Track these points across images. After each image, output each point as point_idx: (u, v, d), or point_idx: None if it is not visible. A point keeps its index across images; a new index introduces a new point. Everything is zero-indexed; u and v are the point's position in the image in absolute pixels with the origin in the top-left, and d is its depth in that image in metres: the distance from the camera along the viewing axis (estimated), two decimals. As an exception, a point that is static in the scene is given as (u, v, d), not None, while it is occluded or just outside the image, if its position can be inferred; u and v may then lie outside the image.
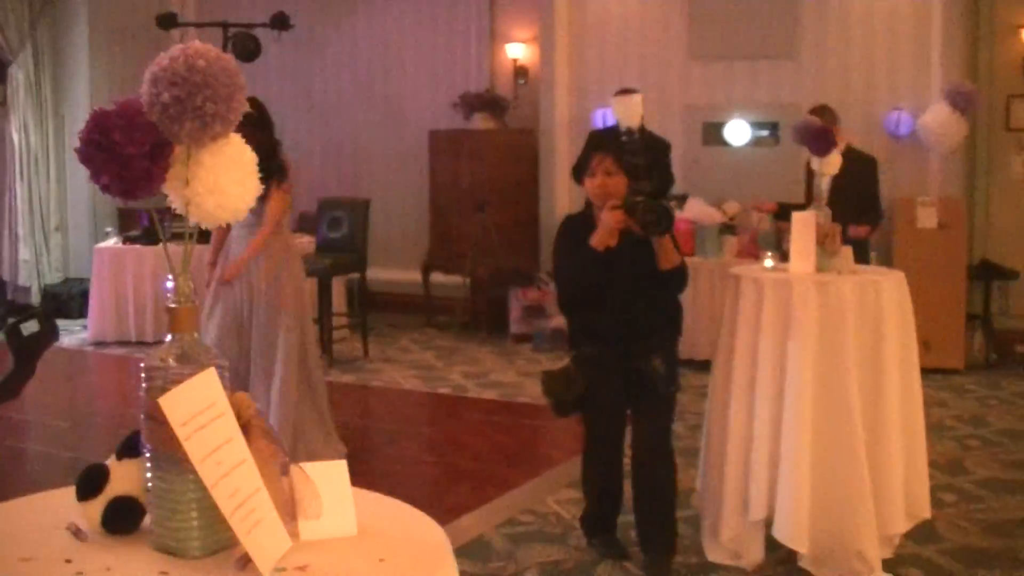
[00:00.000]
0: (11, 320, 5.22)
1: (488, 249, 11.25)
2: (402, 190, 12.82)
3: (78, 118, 13.43)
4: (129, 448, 2.18)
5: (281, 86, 13.37)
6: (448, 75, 12.72)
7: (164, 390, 1.97)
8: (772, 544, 5.32)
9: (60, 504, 2.26)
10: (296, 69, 13.43)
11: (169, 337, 2.15)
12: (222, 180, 2.04)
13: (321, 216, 10.84)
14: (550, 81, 11.82)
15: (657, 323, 5.38)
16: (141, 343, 11.17)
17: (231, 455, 1.97)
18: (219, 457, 1.95)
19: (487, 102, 11.97)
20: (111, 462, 2.20)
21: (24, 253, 13.05)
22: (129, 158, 1.98)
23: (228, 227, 6.66)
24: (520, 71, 12.35)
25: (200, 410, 1.95)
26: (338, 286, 11.07)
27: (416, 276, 12.11)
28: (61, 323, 12.09)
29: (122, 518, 2.14)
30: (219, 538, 2.05)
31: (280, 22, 12.67)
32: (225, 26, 12.76)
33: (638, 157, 8.52)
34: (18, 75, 13.00)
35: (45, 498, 2.36)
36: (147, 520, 2.14)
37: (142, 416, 2.05)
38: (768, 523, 5.26)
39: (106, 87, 13.60)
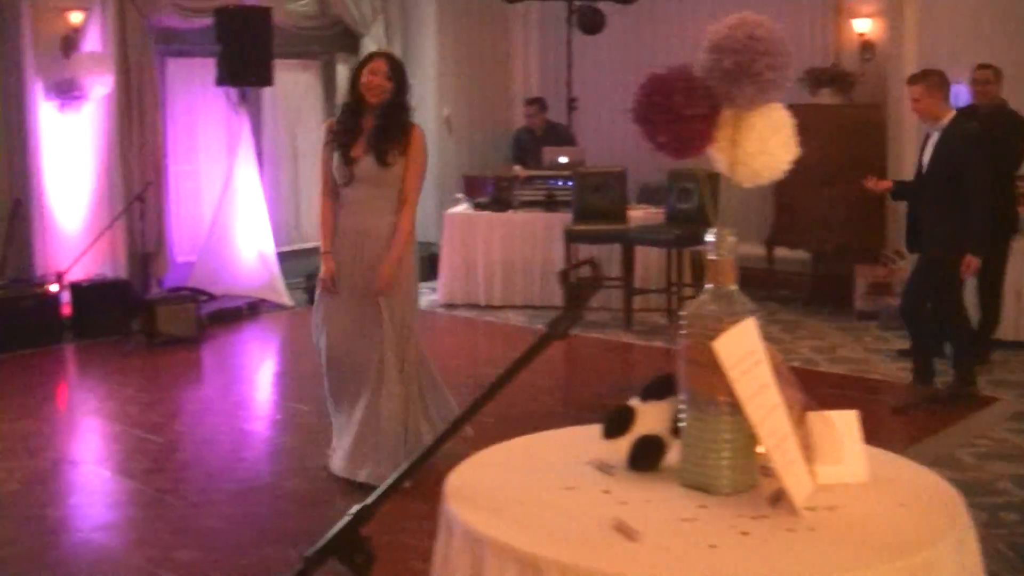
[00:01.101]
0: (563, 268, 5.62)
1: (833, 224, 11.18)
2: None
3: (426, 87, 13.92)
4: (654, 391, 2.34)
5: (623, 59, 13.53)
6: (793, 50, 12.59)
7: (705, 336, 2.12)
8: None
9: (578, 440, 2.45)
10: (638, 42, 13.54)
11: (709, 286, 2.28)
12: (770, 143, 2.18)
13: (670, 187, 10.94)
14: (898, 56, 11.59)
15: None
16: (489, 307, 11.58)
17: (768, 399, 2.11)
18: (760, 400, 2.09)
19: (833, 77, 11.85)
20: (635, 403, 2.37)
21: (373, 217, 13.56)
22: (689, 119, 2.13)
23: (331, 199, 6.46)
24: (866, 46, 12.17)
25: (744, 355, 2.09)
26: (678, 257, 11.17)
27: (758, 249, 12.08)
28: (409, 285, 12.65)
29: (648, 456, 2.31)
30: (745, 477, 2.20)
31: (625, -5, 12.85)
32: (569, 0, 13.03)
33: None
34: (370, 47, 13.52)
35: (564, 434, 2.55)
36: (668, 458, 2.30)
37: (681, 361, 2.21)
38: None
39: (452, 60, 14.03)
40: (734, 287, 2.24)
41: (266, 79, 11.59)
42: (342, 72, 13.77)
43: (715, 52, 2.12)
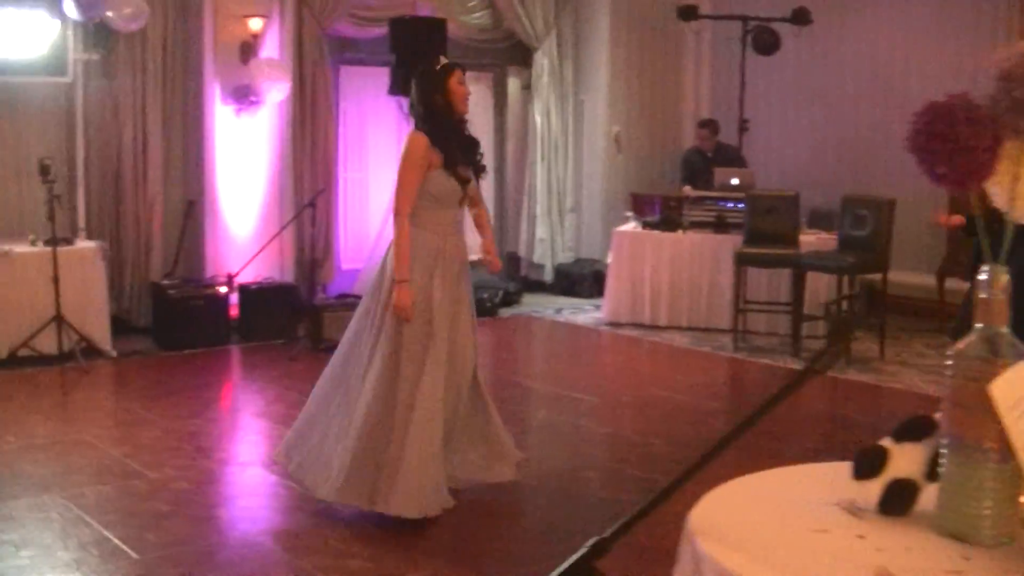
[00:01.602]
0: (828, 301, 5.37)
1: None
2: (915, 190, 12.43)
3: (597, 104, 13.85)
4: (909, 431, 2.20)
5: (796, 80, 13.31)
6: (971, 72, 12.25)
7: (972, 379, 1.97)
8: None
9: (822, 478, 2.31)
10: (812, 63, 13.29)
11: (978, 326, 2.12)
12: (1051, 180, 2.02)
13: (844, 213, 10.68)
14: None
15: None
16: (655, 327, 11.45)
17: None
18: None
19: (1017, 101, 11.47)
20: (888, 443, 2.23)
21: (540, 232, 13.58)
22: (972, 150, 1.99)
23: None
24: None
25: (1020, 399, 1.94)
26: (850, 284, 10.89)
27: (929, 280, 11.75)
28: (572, 301, 12.61)
29: (901, 499, 2.17)
30: (1007, 529, 2.04)
31: (801, 17, 12.61)
32: (744, 19, 12.84)
33: None
34: (542, 61, 13.51)
35: (806, 472, 2.42)
36: (922, 503, 2.16)
37: (946, 403, 2.07)
38: None
39: (624, 75, 13.94)
40: (1004, 329, 2.08)
41: (439, 90, 11.61)
42: (513, 85, 13.79)
43: (1004, 81, 1.96)
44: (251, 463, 7.15)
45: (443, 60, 6.16)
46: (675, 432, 7.92)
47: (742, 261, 10.64)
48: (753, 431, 6.74)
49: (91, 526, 5.87)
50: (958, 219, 7.91)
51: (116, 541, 5.68)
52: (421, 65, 6.19)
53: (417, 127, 6.05)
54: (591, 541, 2.07)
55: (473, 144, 6.21)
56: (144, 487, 6.52)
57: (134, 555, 5.52)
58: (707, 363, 10.25)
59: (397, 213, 5.92)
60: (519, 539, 5.89)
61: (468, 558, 5.58)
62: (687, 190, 11.90)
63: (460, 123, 6.13)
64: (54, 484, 6.56)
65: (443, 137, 5.99)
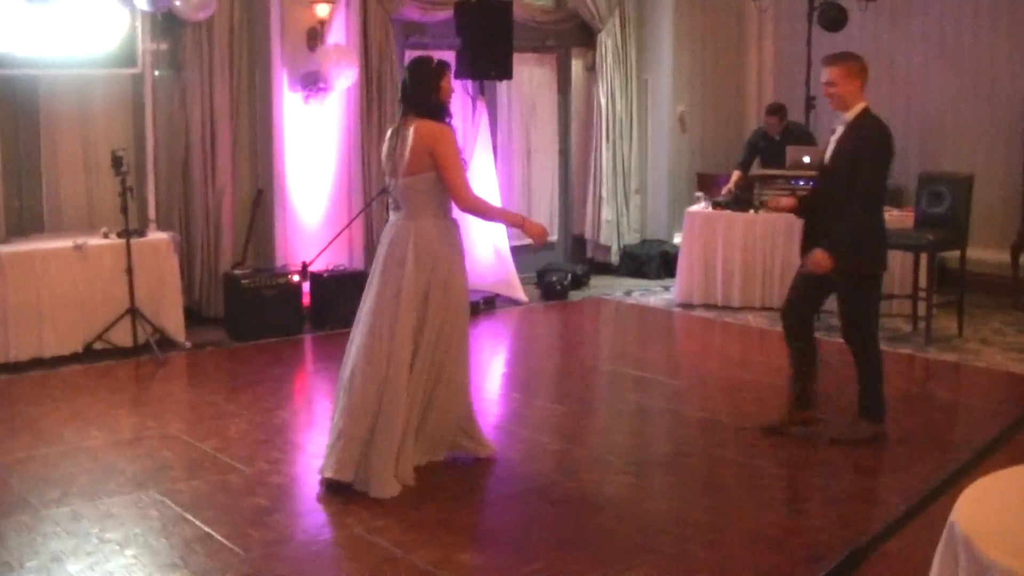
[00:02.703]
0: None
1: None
2: (988, 165, 12.24)
3: (661, 84, 13.69)
4: None
5: (864, 55, 12.99)
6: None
7: None
8: None
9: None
10: (879, 38, 13.06)
11: None
12: None
13: (920, 190, 10.49)
14: None
15: None
16: (727, 307, 11.30)
17: None
18: None
19: None
20: None
21: (606, 213, 13.44)
22: None
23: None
24: None
25: None
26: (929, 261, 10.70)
27: (1003, 256, 11.55)
28: (640, 283, 12.47)
29: None
30: None
31: (870, -8, 12.42)
32: (812, -6, 12.65)
33: None
34: (606, 42, 13.35)
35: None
36: None
37: None
38: None
39: (687, 54, 13.78)
40: None
41: (506, 72, 11.50)
42: (577, 67, 13.65)
43: None
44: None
45: (436, 60, 6.54)
46: (768, 416, 7.77)
47: (817, 239, 10.44)
48: (840, 414, 6.61)
49: (192, 523, 5.80)
50: (788, 201, 7.52)
51: (220, 538, 5.59)
52: (415, 61, 6.55)
53: (424, 117, 6.31)
54: (847, 550, 1.94)
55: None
56: (240, 482, 6.43)
57: (240, 552, 5.43)
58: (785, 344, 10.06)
59: (468, 195, 6.36)
60: (632, 529, 5.75)
61: (581, 548, 5.46)
62: (735, 175, 11.76)
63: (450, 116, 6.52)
64: (148, 480, 6.49)
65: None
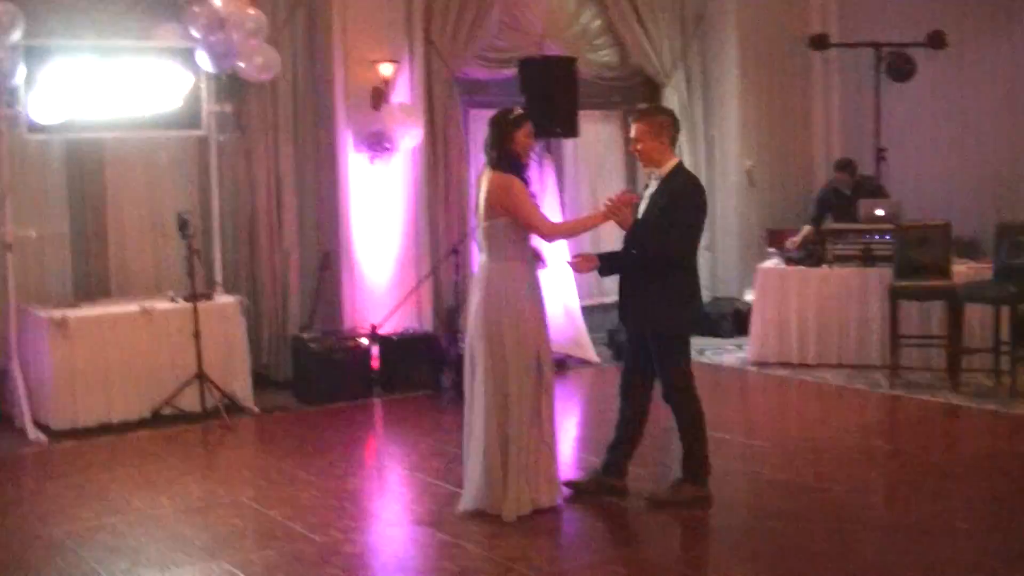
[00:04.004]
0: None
1: None
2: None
3: (728, 138, 13.51)
4: None
5: (934, 105, 12.87)
6: None
7: None
8: None
9: None
10: (949, 87, 12.82)
11: None
12: None
13: (1000, 240, 10.21)
14: None
15: None
16: (803, 365, 11.04)
17: None
18: None
19: None
20: None
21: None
22: None
23: None
24: None
25: None
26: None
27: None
28: (712, 342, 12.24)
29: None
30: None
31: (937, 40, 12.23)
32: (877, 46, 12.47)
33: None
34: (672, 97, 13.19)
35: None
36: None
37: None
38: None
39: (754, 108, 13.59)
40: None
41: (572, 130, 11.34)
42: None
43: None
44: (419, 522, 6.79)
45: (518, 111, 6.81)
46: (854, 477, 7.54)
47: (896, 295, 10.23)
48: (927, 474, 6.29)
49: (266, 595, 5.62)
50: (590, 261, 7.04)
51: (294, 611, 5.42)
52: (497, 112, 6.81)
53: (495, 168, 6.65)
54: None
55: (528, 184, 6.80)
56: (313, 552, 6.24)
57: (316, 627, 5.25)
58: (865, 401, 9.84)
59: (550, 229, 6.91)
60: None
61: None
62: (805, 230, 11.54)
63: (525, 167, 6.78)
64: (218, 550, 6.32)
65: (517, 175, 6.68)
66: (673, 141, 6.87)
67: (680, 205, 6.70)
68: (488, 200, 6.62)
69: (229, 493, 7.43)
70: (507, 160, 6.63)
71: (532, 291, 6.72)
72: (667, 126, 6.83)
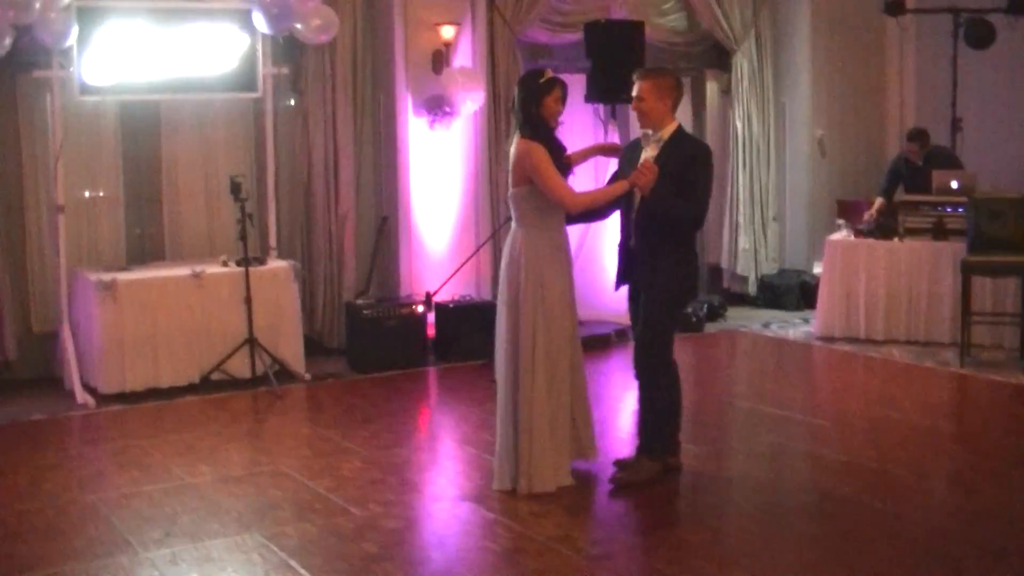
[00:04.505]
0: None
1: None
2: None
3: (798, 107, 13.16)
4: None
5: (1011, 74, 12.44)
6: None
7: None
8: None
9: None
10: (1026, 56, 12.40)
11: None
12: None
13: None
14: None
15: None
16: (870, 340, 10.72)
17: None
18: None
19: None
20: None
21: (743, 242, 12.92)
22: None
23: None
24: None
25: None
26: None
27: None
28: (778, 315, 11.96)
29: None
30: None
31: (1018, 6, 11.82)
32: (955, 12, 12.06)
33: None
34: (741, 64, 12.87)
35: None
36: None
37: None
38: None
39: (825, 76, 13.21)
40: None
41: (638, 95, 11.03)
42: (711, 89, 13.21)
43: None
44: (463, 498, 6.59)
45: (548, 74, 6.50)
46: (916, 459, 7.27)
47: (968, 270, 9.91)
48: (994, 459, 5.98)
49: (296, 571, 5.45)
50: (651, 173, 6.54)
51: (323, 588, 5.25)
52: (526, 73, 6.79)
53: (523, 134, 6.41)
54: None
55: (563, 149, 6.59)
56: (350, 526, 6.07)
57: (344, 605, 5.07)
58: (933, 380, 9.51)
59: (571, 199, 6.46)
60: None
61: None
62: (878, 202, 11.19)
63: (553, 130, 6.52)
64: (253, 521, 6.17)
65: (543, 140, 6.40)
66: (675, 105, 6.64)
67: (699, 171, 6.47)
68: (513, 167, 6.46)
69: (271, 462, 7.29)
70: (533, 124, 6.40)
71: (556, 261, 6.51)
72: (672, 88, 6.60)
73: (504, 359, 6.54)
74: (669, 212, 6.42)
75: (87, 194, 9.78)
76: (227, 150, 10.31)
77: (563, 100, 6.50)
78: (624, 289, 6.84)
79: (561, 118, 6.52)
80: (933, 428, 8.07)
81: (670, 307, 6.67)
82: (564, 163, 6.56)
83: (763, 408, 8.58)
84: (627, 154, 6.73)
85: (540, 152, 6.33)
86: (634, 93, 6.59)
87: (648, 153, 6.54)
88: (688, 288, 6.74)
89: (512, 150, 6.48)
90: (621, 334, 10.81)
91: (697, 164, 6.48)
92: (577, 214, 6.62)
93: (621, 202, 6.63)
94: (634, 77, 6.66)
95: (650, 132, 6.57)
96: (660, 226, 6.46)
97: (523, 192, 6.43)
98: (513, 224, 6.59)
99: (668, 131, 6.54)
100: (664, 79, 6.62)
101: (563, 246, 6.61)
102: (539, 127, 6.41)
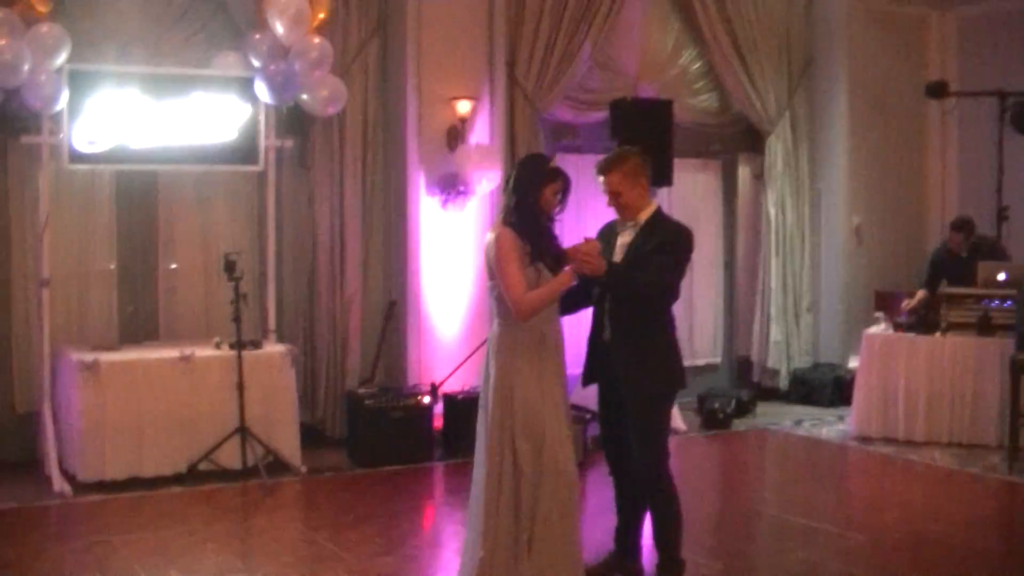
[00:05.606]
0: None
1: None
2: None
3: (835, 192, 12.62)
4: None
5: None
6: None
7: None
8: None
9: None
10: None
11: None
12: None
13: None
14: None
15: None
16: (910, 442, 10.06)
17: None
18: None
19: None
20: None
21: (775, 334, 12.32)
22: None
23: None
24: None
25: None
26: None
27: None
28: (811, 411, 11.31)
29: None
30: None
31: (1068, 89, 11.28)
32: (1001, 95, 11.51)
33: None
34: (776, 147, 12.34)
35: None
36: None
37: None
38: None
39: (864, 161, 12.75)
40: None
41: (666, 179, 10.38)
42: (744, 173, 12.68)
43: None
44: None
45: (554, 164, 5.84)
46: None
47: (1018, 368, 9.26)
48: None
49: None
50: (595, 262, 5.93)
51: None
52: (528, 155, 6.29)
53: (505, 219, 5.67)
54: None
55: (553, 240, 5.78)
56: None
57: None
58: (979, 489, 8.87)
59: (518, 300, 5.49)
60: None
61: None
62: (920, 294, 10.57)
63: (548, 219, 5.77)
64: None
65: (528, 230, 5.60)
66: (649, 180, 6.09)
67: (670, 247, 5.91)
68: (485, 256, 5.70)
69: (246, 567, 6.66)
70: (523, 210, 5.62)
71: (536, 360, 5.62)
72: (640, 165, 6.02)
73: (477, 461, 5.77)
74: (632, 288, 5.85)
75: (78, 267, 9.29)
76: (228, 225, 9.84)
77: (563, 195, 5.72)
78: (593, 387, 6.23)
79: (559, 214, 5.78)
80: (979, 545, 7.41)
81: (658, 406, 6.08)
82: (556, 256, 5.69)
83: (793, 519, 7.87)
84: (603, 238, 6.08)
85: (506, 240, 5.57)
86: (604, 190, 6.01)
87: (623, 239, 6.01)
88: (675, 380, 6.12)
89: (488, 236, 5.74)
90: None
91: (672, 242, 5.93)
92: (526, 317, 5.56)
93: (592, 294, 5.99)
94: (595, 172, 6.06)
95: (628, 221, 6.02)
96: (633, 313, 5.90)
97: (494, 285, 5.71)
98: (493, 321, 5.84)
99: (645, 215, 6.00)
100: (628, 162, 6.02)
101: (547, 340, 5.69)
102: (527, 215, 5.62)
